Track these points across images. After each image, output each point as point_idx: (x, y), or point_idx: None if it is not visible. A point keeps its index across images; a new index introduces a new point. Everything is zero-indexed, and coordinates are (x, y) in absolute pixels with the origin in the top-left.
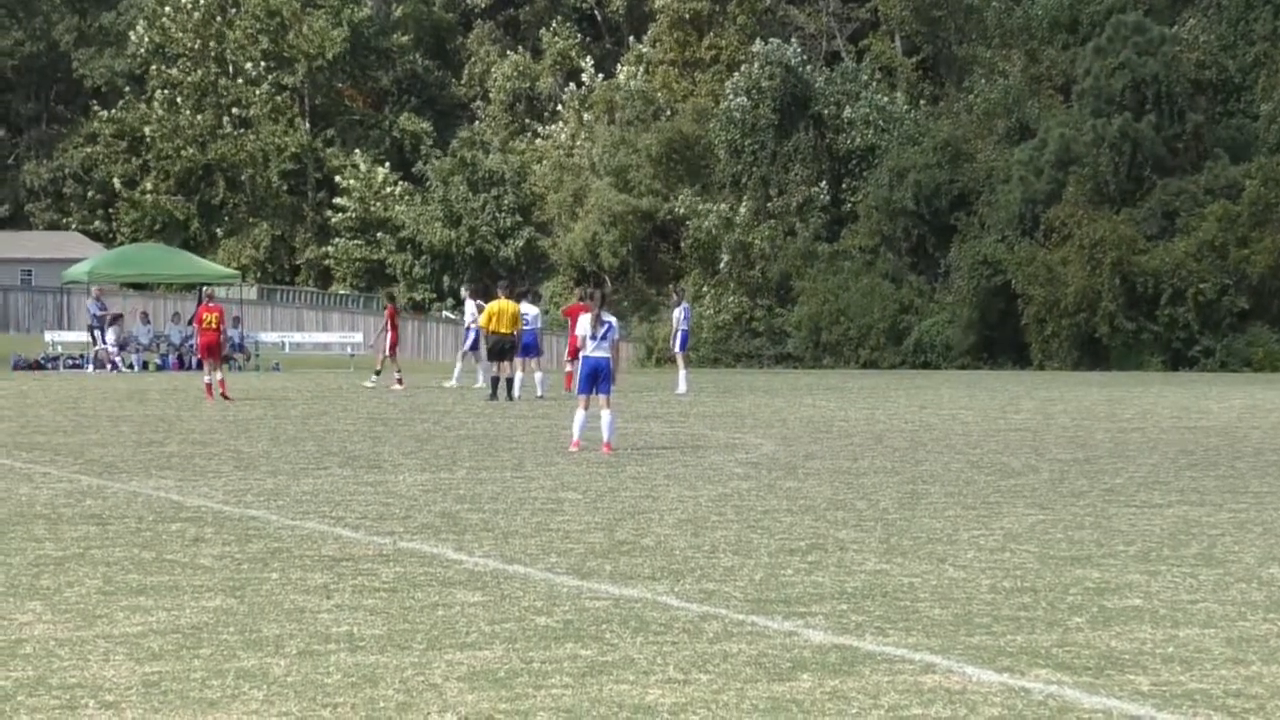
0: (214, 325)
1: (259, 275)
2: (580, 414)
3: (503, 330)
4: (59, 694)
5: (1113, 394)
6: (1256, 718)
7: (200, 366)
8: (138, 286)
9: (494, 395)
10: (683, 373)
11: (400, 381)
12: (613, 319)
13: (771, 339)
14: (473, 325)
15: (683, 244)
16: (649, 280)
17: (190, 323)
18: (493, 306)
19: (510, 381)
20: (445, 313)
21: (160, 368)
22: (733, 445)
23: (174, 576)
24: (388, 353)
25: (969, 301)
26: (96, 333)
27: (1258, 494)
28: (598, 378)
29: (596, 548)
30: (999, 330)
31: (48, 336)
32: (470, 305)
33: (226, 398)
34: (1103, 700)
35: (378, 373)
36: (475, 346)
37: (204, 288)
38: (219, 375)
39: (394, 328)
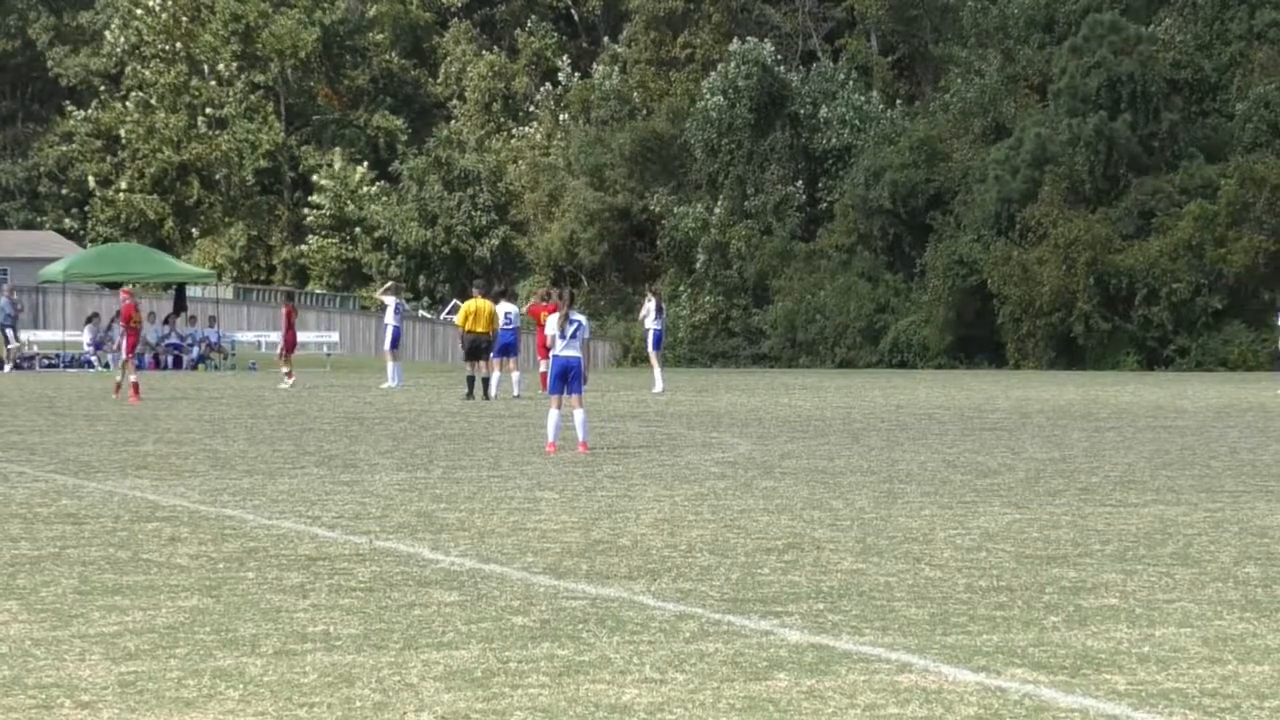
0: (139, 324)
1: (235, 275)
2: (553, 414)
3: (479, 330)
4: (35, 694)
5: (1088, 393)
6: (1232, 717)
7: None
8: (113, 286)
9: (470, 394)
10: (657, 371)
11: (290, 375)
12: (582, 318)
13: (748, 338)
14: (393, 323)
15: (659, 243)
16: (626, 279)
17: (115, 320)
18: (469, 305)
19: (486, 381)
20: (422, 311)
21: (136, 367)
22: (709, 444)
23: (150, 576)
24: (284, 350)
25: (945, 301)
26: (9, 331)
27: (1233, 493)
28: (568, 377)
29: (573, 547)
30: (975, 330)
31: (24, 336)
32: (391, 303)
33: (115, 397)
34: (1079, 699)
35: (288, 373)
36: (395, 344)
37: (123, 286)
38: (118, 378)
39: (290, 327)
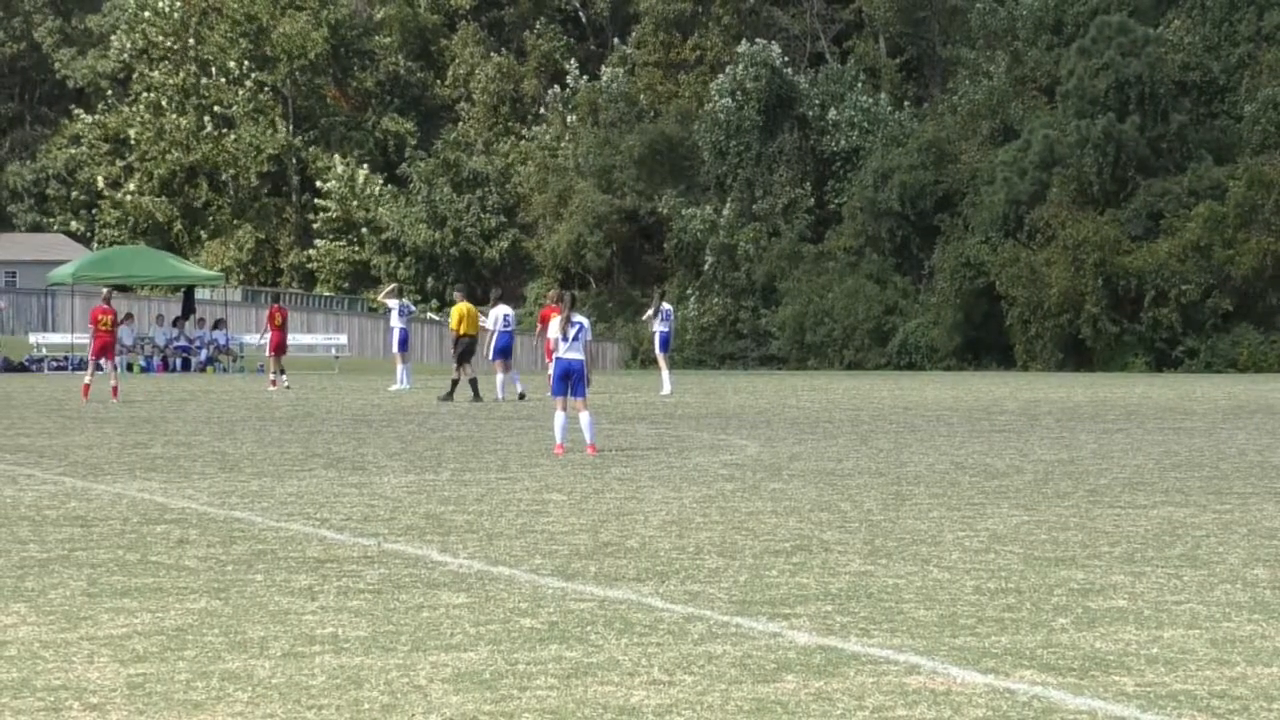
0: (110, 327)
1: (242, 278)
2: (559, 416)
3: (472, 332)
4: (43, 696)
5: (1097, 395)
6: (1241, 718)
7: (84, 366)
8: (121, 288)
9: (477, 396)
10: (665, 374)
11: (274, 383)
12: (584, 320)
13: (756, 340)
14: (399, 326)
15: (666, 245)
16: (633, 281)
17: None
18: (460, 309)
19: (474, 381)
20: (430, 314)
21: (144, 369)
22: (717, 447)
23: (159, 578)
24: (270, 352)
25: (953, 303)
26: None
27: (1242, 494)
28: (570, 379)
29: (581, 549)
30: (983, 331)
31: (33, 339)
32: (395, 305)
33: (116, 399)
34: (1088, 701)
35: (281, 372)
36: (403, 346)
37: (105, 289)
38: (112, 380)
39: (274, 329)
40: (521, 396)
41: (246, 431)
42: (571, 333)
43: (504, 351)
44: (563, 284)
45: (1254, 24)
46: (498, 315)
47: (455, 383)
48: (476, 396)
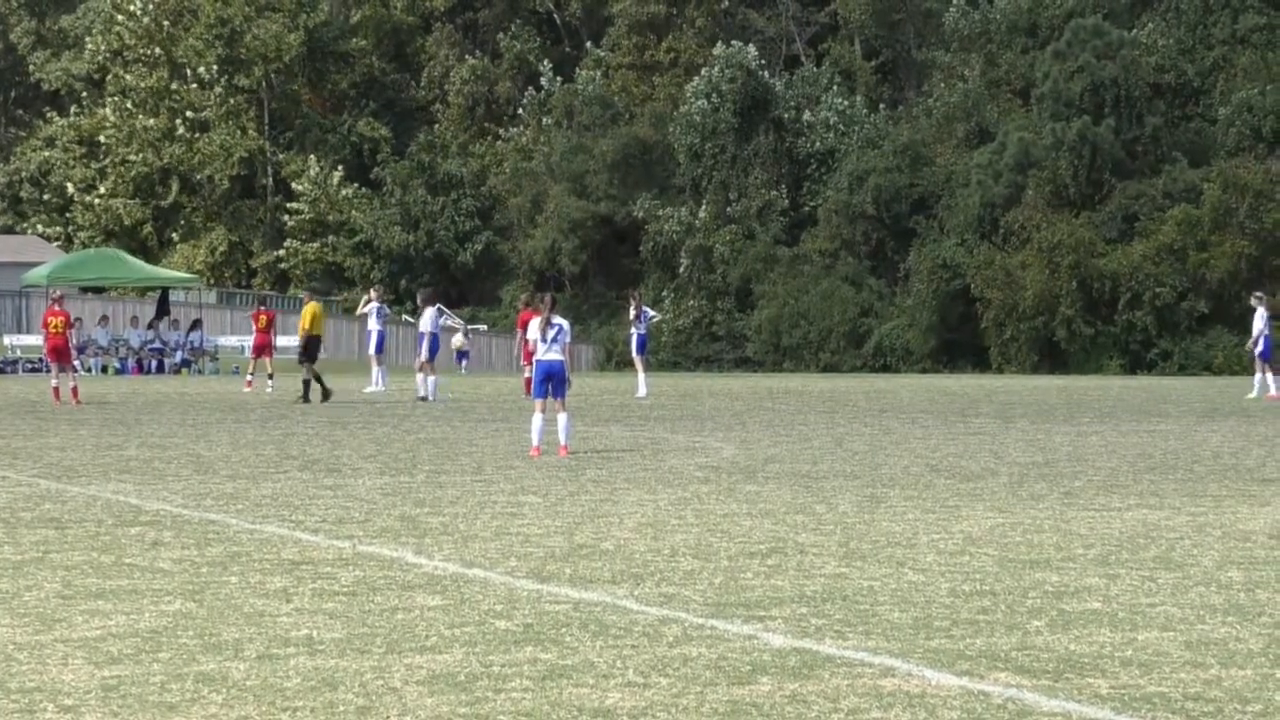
0: (60, 329)
1: (215, 280)
2: (537, 418)
3: (317, 332)
4: (17, 698)
5: (1071, 397)
6: None
7: (48, 370)
8: (96, 290)
9: (306, 397)
10: (641, 376)
11: (250, 384)
12: (563, 321)
13: (731, 343)
14: (376, 328)
15: (642, 248)
16: (609, 285)
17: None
18: (314, 308)
19: (319, 378)
20: (405, 316)
21: (119, 371)
22: (692, 449)
23: (133, 580)
24: (251, 354)
25: (928, 305)
26: None
27: (1216, 497)
28: (551, 380)
29: (556, 551)
30: (958, 334)
31: (7, 340)
32: (373, 308)
33: (78, 402)
34: (1062, 704)
35: (270, 376)
36: (379, 349)
37: (50, 291)
38: (71, 381)
39: (258, 331)
40: (442, 399)
41: (221, 433)
42: (550, 334)
43: (434, 352)
44: (538, 286)
45: (1228, 27)
46: (430, 316)
47: (308, 383)
48: (305, 398)
